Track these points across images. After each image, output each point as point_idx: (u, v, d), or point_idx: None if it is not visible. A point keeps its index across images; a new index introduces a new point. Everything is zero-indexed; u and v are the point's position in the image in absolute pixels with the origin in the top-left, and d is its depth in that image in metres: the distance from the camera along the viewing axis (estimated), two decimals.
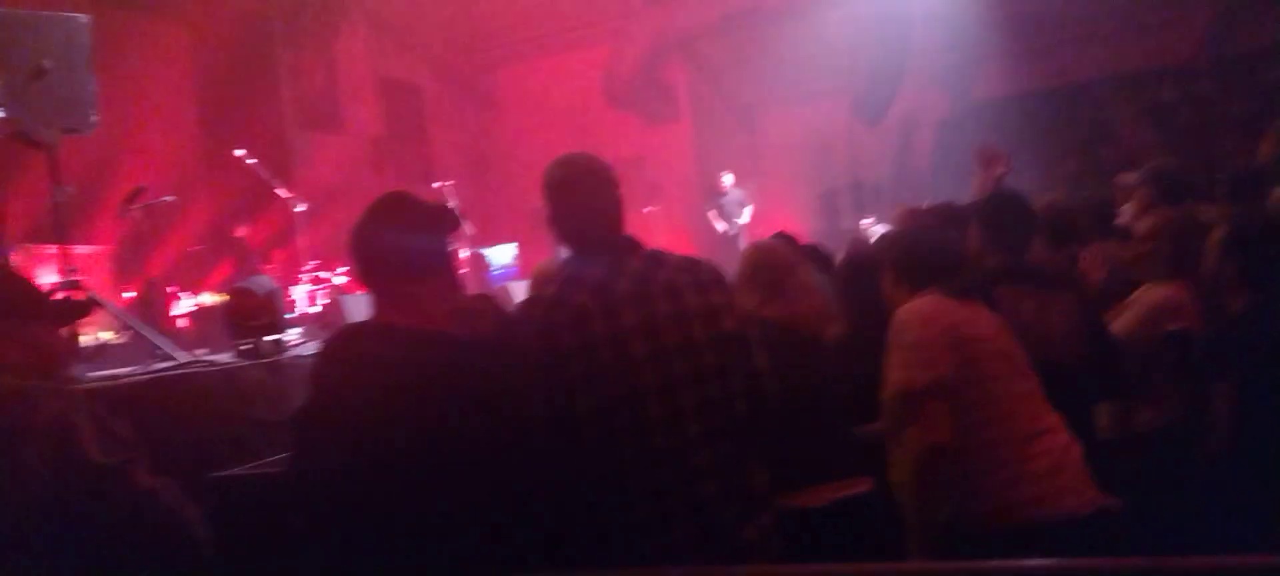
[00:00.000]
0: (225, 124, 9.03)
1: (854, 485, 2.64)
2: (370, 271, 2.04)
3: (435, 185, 10.29)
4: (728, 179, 9.91)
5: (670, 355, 2.04)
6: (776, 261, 2.98)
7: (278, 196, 8.64)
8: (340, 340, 2.07)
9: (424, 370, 1.89)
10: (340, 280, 8.37)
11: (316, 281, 8.15)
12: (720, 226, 9.82)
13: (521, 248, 9.85)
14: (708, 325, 2.09)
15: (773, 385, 2.20)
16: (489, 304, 2.34)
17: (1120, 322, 3.14)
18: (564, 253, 2.34)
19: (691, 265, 2.20)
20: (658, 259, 2.17)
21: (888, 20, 9.10)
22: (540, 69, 12.23)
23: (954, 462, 2.31)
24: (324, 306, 7.78)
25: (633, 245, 2.18)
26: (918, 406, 2.31)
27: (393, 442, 1.83)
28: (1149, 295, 3.20)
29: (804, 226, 9.31)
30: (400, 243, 2.01)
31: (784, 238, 3.53)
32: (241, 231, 8.30)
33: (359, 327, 2.11)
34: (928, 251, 2.67)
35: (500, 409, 1.92)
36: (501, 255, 9.72)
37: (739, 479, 2.08)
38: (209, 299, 7.65)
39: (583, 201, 2.18)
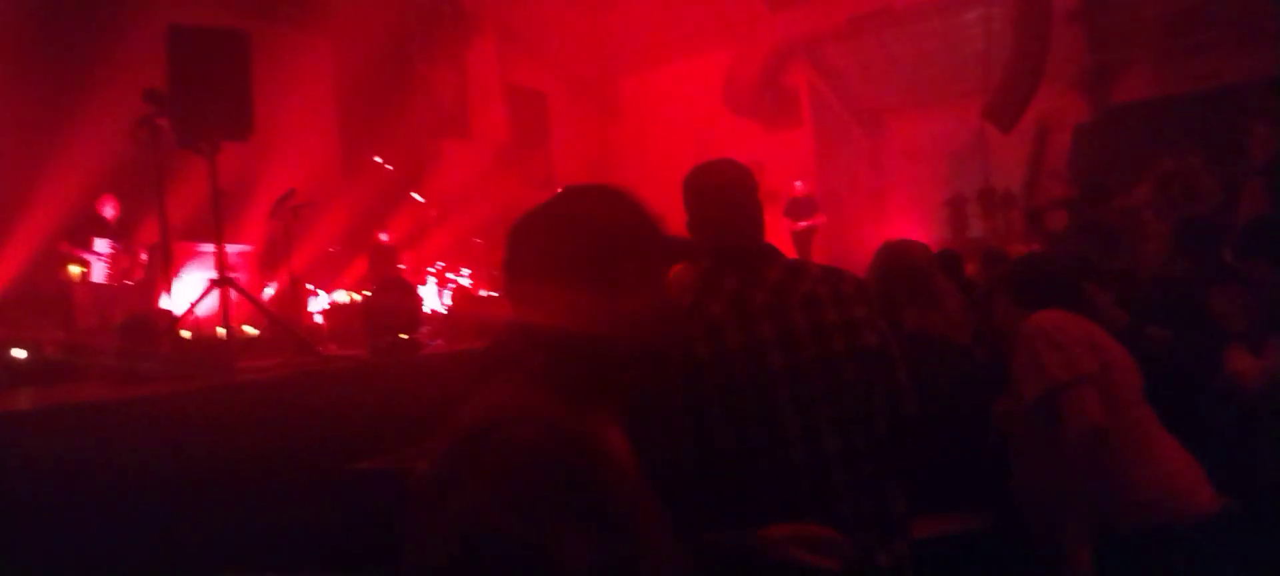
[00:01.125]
0: (364, 131, 9.41)
1: (970, 519, 2.52)
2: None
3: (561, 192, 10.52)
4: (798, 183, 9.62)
5: (808, 369, 1.98)
6: (912, 264, 2.86)
7: (411, 200, 9.02)
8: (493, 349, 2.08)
9: None
10: (465, 281, 8.65)
11: (443, 281, 8.45)
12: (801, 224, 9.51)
13: None
14: (848, 339, 2.02)
15: (914, 403, 2.11)
16: None
17: None
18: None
19: (832, 276, 2.12)
20: (798, 270, 2.12)
21: (1025, 21, 8.73)
22: (662, 76, 12.30)
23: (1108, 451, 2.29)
24: (448, 308, 8.05)
25: (772, 255, 2.14)
26: (1071, 398, 2.28)
27: None
28: None
29: (930, 235, 9.04)
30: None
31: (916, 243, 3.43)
32: (383, 235, 8.64)
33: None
34: (1045, 273, 2.66)
35: (645, 417, 1.84)
36: None
37: (876, 500, 1.99)
38: (343, 297, 8.02)
39: (722, 209, 2.13)
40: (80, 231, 6.32)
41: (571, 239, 1.63)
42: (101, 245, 6.37)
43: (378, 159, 8.93)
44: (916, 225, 9.42)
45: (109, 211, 6.52)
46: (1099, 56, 9.44)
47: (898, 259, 2.89)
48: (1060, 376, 2.32)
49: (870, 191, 10.74)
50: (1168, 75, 9.32)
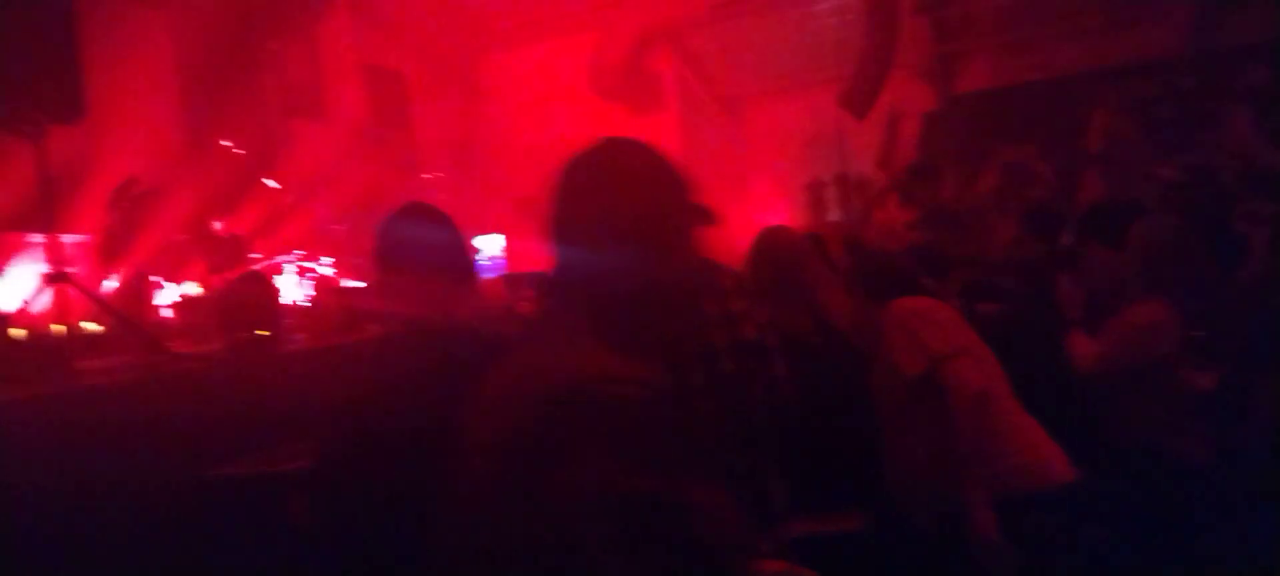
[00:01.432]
0: (209, 112, 8.93)
1: (843, 520, 2.59)
2: (398, 272, 2.05)
3: (426, 176, 10.27)
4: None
5: (687, 362, 1.97)
6: (792, 252, 2.91)
7: (263, 185, 8.61)
8: (381, 343, 2.09)
9: (459, 370, 1.83)
10: (326, 270, 8.34)
11: (302, 271, 8.12)
12: None
13: (508, 239, 9.81)
14: (727, 332, 2.03)
15: (793, 394, 2.14)
16: (510, 310, 2.35)
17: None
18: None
19: (710, 270, 2.13)
20: None
21: (875, 12, 9.12)
22: (526, 57, 12.15)
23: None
24: (309, 299, 7.75)
25: None
26: (954, 368, 2.40)
27: (428, 443, 1.78)
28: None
29: (790, 219, 9.33)
30: (432, 243, 2.04)
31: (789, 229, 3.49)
32: (217, 222, 8.15)
33: (399, 330, 2.07)
34: (887, 268, 2.82)
35: None
36: (489, 246, 9.68)
37: (756, 491, 2.03)
38: (192, 289, 7.58)
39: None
40: None
41: (628, 197, 1.62)
42: None
43: (225, 142, 8.49)
44: (778, 209, 9.72)
45: None
46: (943, 46, 9.97)
47: (775, 244, 2.93)
48: (941, 349, 2.45)
49: (733, 176, 10.99)
50: (1005, 66, 9.92)
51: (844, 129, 9.70)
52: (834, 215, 9.73)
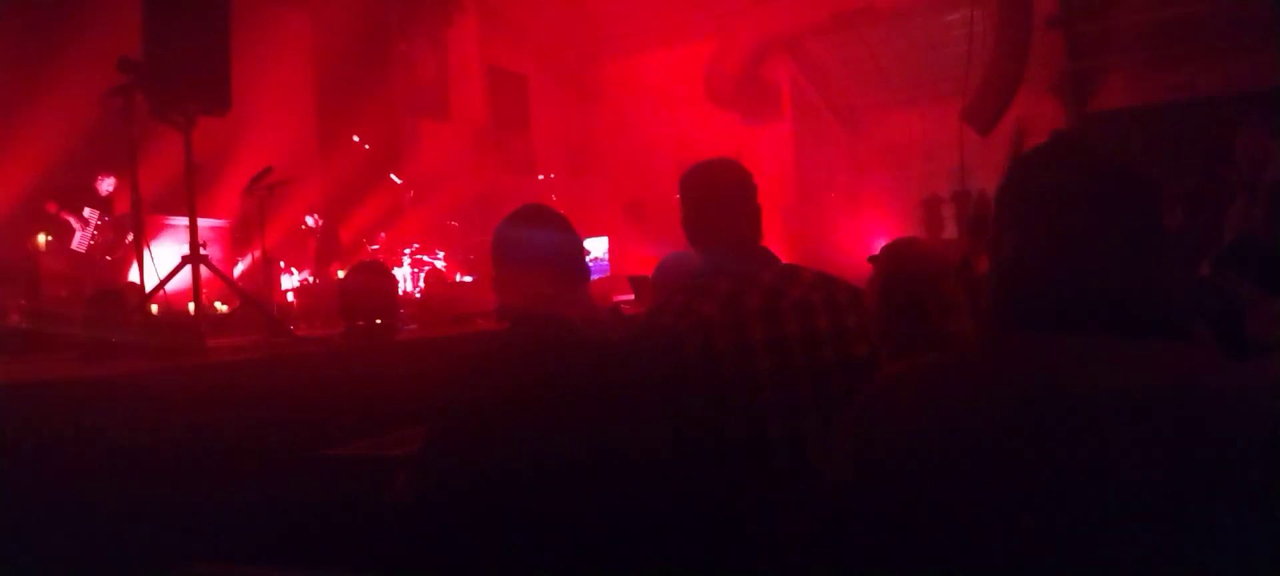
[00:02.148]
0: (341, 109, 9.29)
1: None
2: (514, 268, 2.08)
3: (540, 177, 10.47)
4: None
5: (796, 375, 1.97)
6: (922, 270, 2.70)
7: (389, 180, 8.93)
8: (498, 338, 2.10)
9: (565, 371, 1.91)
10: (440, 264, 8.58)
11: (417, 264, 8.38)
12: None
13: (612, 241, 9.90)
14: (838, 348, 2.02)
15: None
16: (617, 314, 2.36)
17: None
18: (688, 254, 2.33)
19: (826, 283, 2.11)
20: (792, 275, 2.11)
21: (1006, 25, 8.79)
22: (644, 63, 12.26)
23: None
24: (422, 291, 7.99)
25: (767, 258, 2.13)
26: None
27: (531, 440, 1.84)
28: None
29: (904, 234, 9.05)
30: (548, 243, 2.06)
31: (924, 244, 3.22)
32: (309, 218, 8.41)
33: (514, 327, 2.09)
34: None
35: (630, 414, 1.92)
36: (592, 248, 9.79)
37: None
38: (314, 277, 7.94)
39: (720, 209, 2.14)
40: (73, 196, 6.22)
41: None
42: (90, 214, 6.27)
43: (355, 138, 8.83)
44: (891, 224, 9.48)
45: (106, 187, 6.42)
46: (1077, 63, 9.53)
47: (902, 261, 2.68)
48: None
49: (847, 188, 10.78)
50: (1144, 84, 9.42)
51: (965, 144, 9.38)
52: (950, 232, 9.43)
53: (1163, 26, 9.40)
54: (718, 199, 2.16)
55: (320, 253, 8.03)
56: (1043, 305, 1.07)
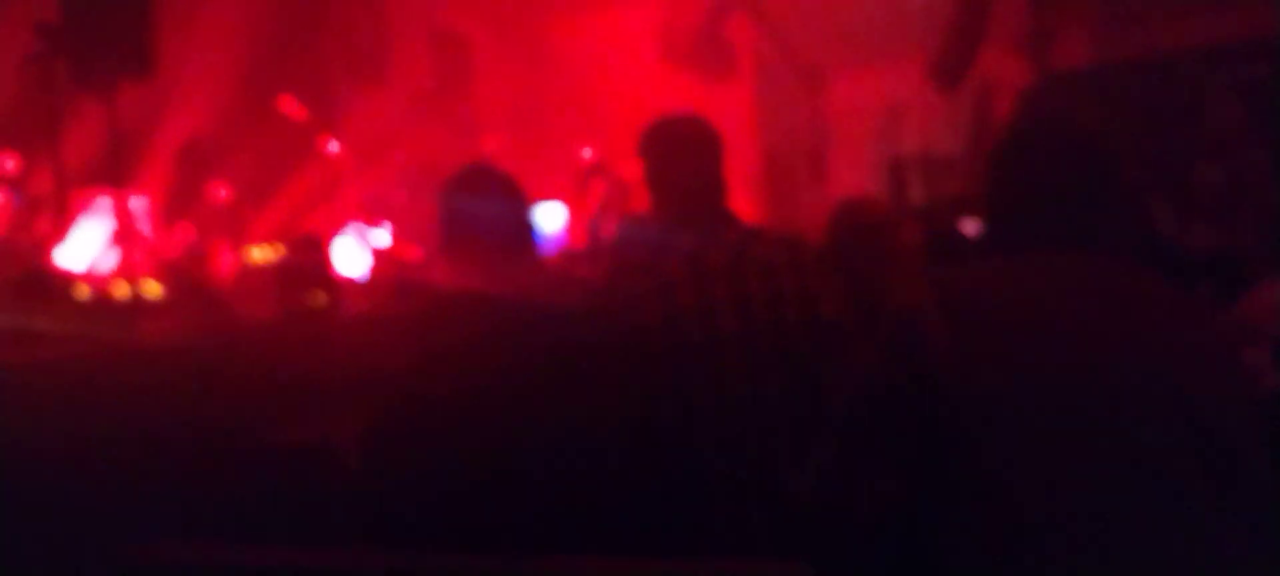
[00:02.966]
0: (273, 74, 8.92)
1: None
2: (456, 241, 2.04)
3: (489, 144, 10.13)
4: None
5: (760, 336, 1.98)
6: (876, 223, 2.62)
7: (324, 149, 8.56)
8: (441, 312, 2.05)
9: (517, 341, 1.89)
10: (386, 239, 8.29)
11: (361, 239, 8.08)
12: None
13: (569, 207, 9.66)
14: (804, 309, 2.01)
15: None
16: (570, 281, 2.34)
17: None
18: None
19: (791, 244, 2.13)
20: (756, 235, 2.14)
21: None
22: (595, 22, 11.90)
23: None
24: (368, 268, 7.71)
25: (730, 219, 2.15)
26: None
27: (485, 415, 1.82)
28: None
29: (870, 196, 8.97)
30: (489, 212, 2.00)
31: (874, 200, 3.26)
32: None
33: (457, 299, 2.07)
34: None
35: (588, 381, 1.89)
36: (549, 216, 9.52)
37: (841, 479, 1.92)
38: (256, 253, 7.56)
39: (683, 167, 2.12)
40: None
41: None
42: None
43: (289, 102, 8.46)
44: (857, 186, 9.35)
45: (9, 165, 6.11)
46: (1041, 19, 9.46)
47: (859, 215, 2.64)
48: None
49: (810, 150, 10.68)
50: (1109, 41, 9.42)
51: (929, 103, 9.33)
52: (916, 194, 9.34)
53: None
54: (681, 153, 2.14)
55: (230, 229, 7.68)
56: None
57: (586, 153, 9.57)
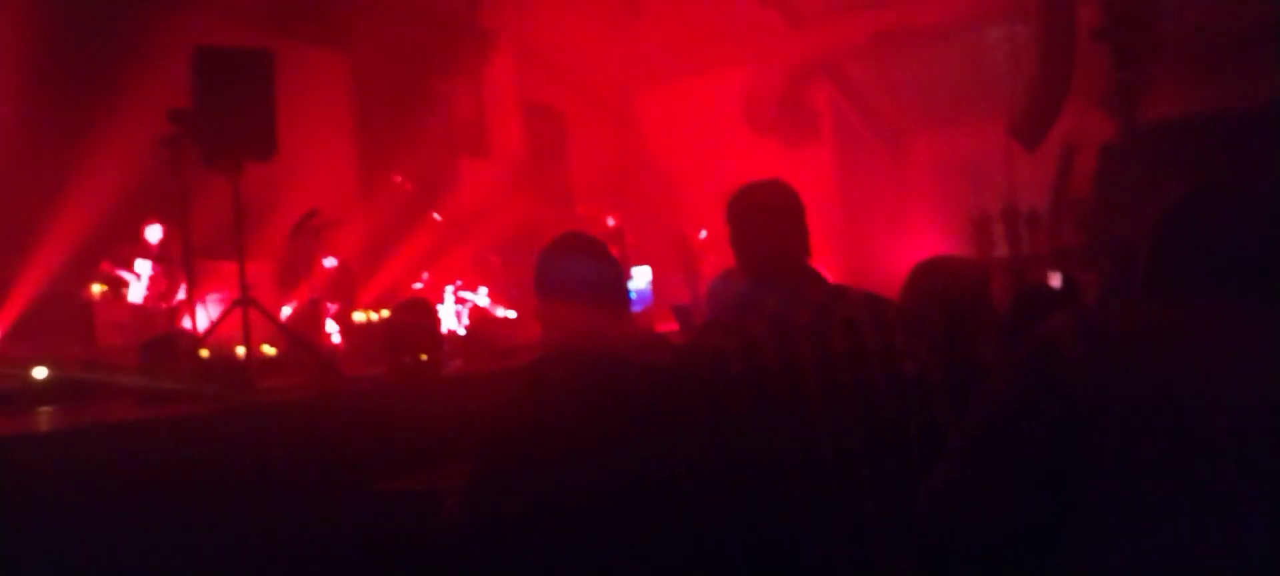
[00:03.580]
0: (382, 150, 9.38)
1: None
2: (554, 301, 2.10)
3: (581, 211, 10.46)
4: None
5: (844, 393, 2.00)
6: (958, 285, 2.64)
7: (430, 218, 8.99)
8: (540, 366, 2.11)
9: (611, 396, 1.93)
10: (483, 301, 8.60)
11: (460, 300, 8.41)
12: None
13: (656, 271, 9.85)
14: (886, 366, 2.03)
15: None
16: (662, 339, 2.41)
17: None
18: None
19: (873, 302, 2.14)
20: (839, 293, 2.14)
21: (1049, 39, 8.65)
22: (680, 92, 12.24)
23: None
24: (467, 328, 8.00)
25: (814, 277, 2.16)
26: None
27: (579, 466, 1.87)
28: None
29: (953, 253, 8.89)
30: (587, 275, 2.08)
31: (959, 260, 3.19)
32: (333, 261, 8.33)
33: (555, 355, 2.13)
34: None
35: (678, 435, 1.94)
36: (637, 279, 9.73)
37: (910, 528, 1.93)
38: (361, 317, 7.96)
39: (766, 229, 2.17)
40: (124, 250, 6.34)
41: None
42: (142, 266, 6.38)
43: (397, 178, 8.90)
44: (940, 244, 9.31)
45: (154, 235, 6.52)
46: (1124, 74, 9.32)
47: (941, 276, 2.66)
48: None
49: (892, 210, 10.64)
50: (1195, 94, 9.19)
51: (1012, 161, 9.23)
52: (1001, 250, 9.26)
53: (1209, 34, 9.16)
54: (764, 218, 2.19)
55: (339, 294, 8.04)
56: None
57: (702, 234, 9.66)
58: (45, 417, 3.98)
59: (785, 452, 1.97)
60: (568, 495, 1.85)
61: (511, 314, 8.58)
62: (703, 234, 9.00)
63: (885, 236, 10.74)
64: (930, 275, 2.71)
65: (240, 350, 4.92)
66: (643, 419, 1.92)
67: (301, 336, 5.89)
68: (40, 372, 4.48)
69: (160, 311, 6.45)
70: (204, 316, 5.27)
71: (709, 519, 1.91)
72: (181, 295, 6.45)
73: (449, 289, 8.43)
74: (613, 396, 1.93)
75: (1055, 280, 6.55)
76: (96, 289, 6.08)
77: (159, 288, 6.48)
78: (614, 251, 2.22)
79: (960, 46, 10.29)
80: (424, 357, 4.99)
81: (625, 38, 12.17)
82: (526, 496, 1.88)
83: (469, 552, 2.05)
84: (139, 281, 6.35)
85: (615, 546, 1.84)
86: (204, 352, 4.96)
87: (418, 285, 8.42)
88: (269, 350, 6.12)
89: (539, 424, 1.94)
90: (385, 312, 7.16)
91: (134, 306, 6.30)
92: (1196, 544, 1.33)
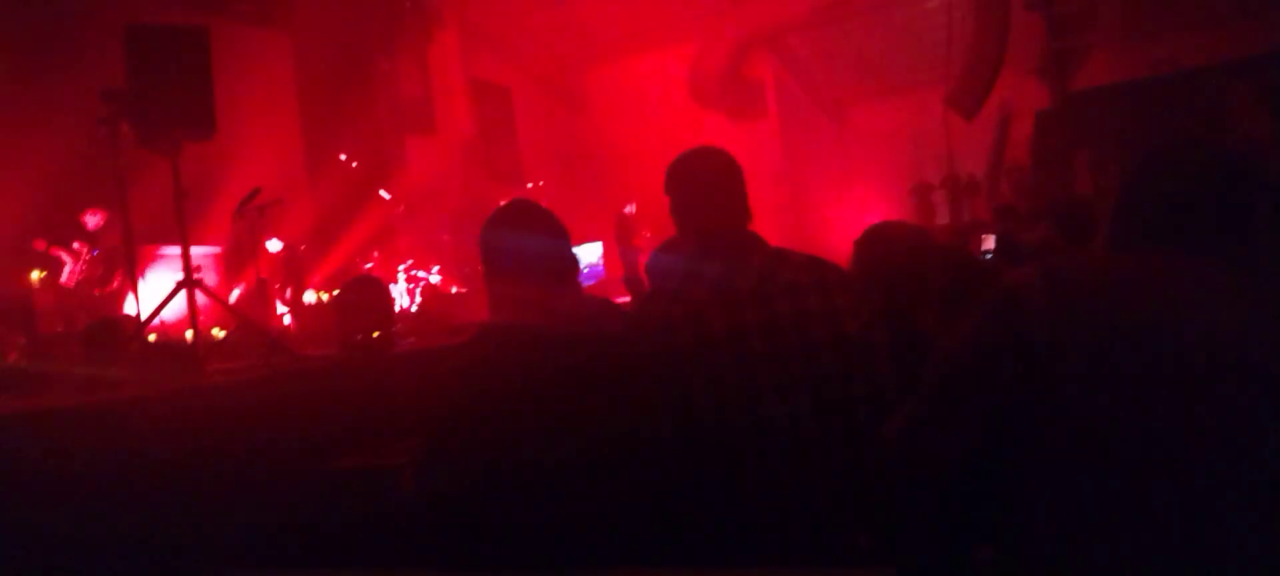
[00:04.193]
0: (327, 129, 9.28)
1: None
2: (499, 274, 2.10)
3: (529, 185, 10.47)
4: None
5: (790, 356, 2.01)
6: (899, 251, 2.67)
7: (378, 197, 8.93)
8: (483, 341, 2.11)
9: (559, 368, 1.93)
10: (435, 278, 8.59)
11: (412, 279, 8.39)
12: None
13: (607, 246, 9.88)
14: (830, 327, 2.03)
15: (895, 393, 2.09)
16: (611, 307, 2.36)
17: None
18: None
19: (815, 265, 2.13)
20: (781, 257, 2.13)
21: (985, 9, 8.82)
22: (627, 68, 12.27)
23: None
24: (419, 305, 8.00)
25: (756, 243, 2.15)
26: None
27: (527, 439, 1.87)
28: None
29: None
30: (531, 247, 2.07)
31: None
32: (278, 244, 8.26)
33: (498, 330, 2.12)
34: None
35: (626, 405, 1.94)
36: (587, 254, 9.76)
37: (857, 485, 2.00)
38: (311, 297, 7.92)
39: (706, 196, 2.17)
40: (61, 232, 6.19)
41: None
42: (78, 248, 6.25)
43: (342, 156, 8.83)
44: (883, 212, 9.50)
45: (93, 221, 6.38)
46: (1058, 42, 9.54)
47: (884, 241, 2.70)
48: None
49: (837, 179, 10.81)
50: (1127, 61, 9.43)
51: (951, 129, 9.40)
52: (941, 217, 9.45)
53: (1140, 3, 9.41)
54: (704, 185, 2.18)
55: (288, 276, 7.97)
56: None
57: (629, 208, 9.70)
58: None
59: (734, 417, 1.98)
60: (518, 466, 1.85)
61: (463, 291, 8.58)
62: (630, 208, 9.03)
63: (831, 206, 10.90)
64: (872, 242, 2.76)
65: (188, 334, 4.87)
66: (591, 388, 1.91)
67: (250, 317, 5.84)
68: None
69: (95, 297, 6.34)
70: (146, 301, 5.20)
71: (658, 484, 1.91)
72: (117, 284, 6.36)
73: (401, 268, 8.40)
74: (560, 368, 1.92)
75: (989, 242, 6.69)
76: (35, 276, 5.96)
77: (95, 271, 6.36)
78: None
79: (899, 18, 10.44)
80: (376, 335, 4.94)
81: (569, 15, 12.14)
82: (478, 469, 1.88)
83: (423, 527, 2.05)
84: (75, 264, 6.23)
85: (568, 515, 1.83)
86: (150, 337, 4.89)
87: (369, 265, 8.37)
88: (218, 333, 6.08)
89: (487, 394, 1.93)
90: (336, 292, 7.12)
91: (65, 291, 6.18)
92: (1151, 485, 1.38)
